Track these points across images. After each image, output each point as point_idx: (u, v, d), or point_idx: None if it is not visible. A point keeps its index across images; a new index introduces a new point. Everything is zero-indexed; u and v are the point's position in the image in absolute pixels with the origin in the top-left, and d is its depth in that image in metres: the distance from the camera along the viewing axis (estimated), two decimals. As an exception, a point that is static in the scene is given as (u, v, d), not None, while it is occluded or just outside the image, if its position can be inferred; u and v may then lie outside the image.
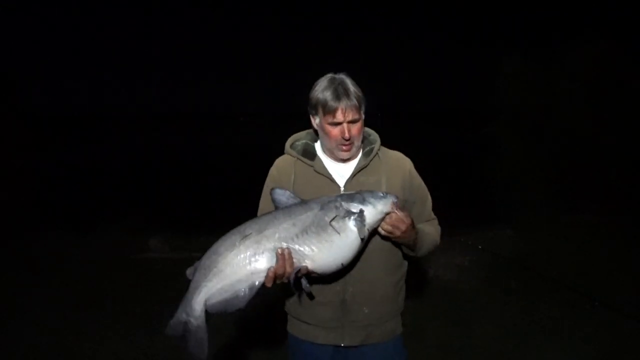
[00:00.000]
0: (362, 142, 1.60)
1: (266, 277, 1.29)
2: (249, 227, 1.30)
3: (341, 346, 1.58)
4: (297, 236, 1.28)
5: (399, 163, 1.65)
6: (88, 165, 16.21)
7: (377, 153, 1.61)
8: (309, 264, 1.30)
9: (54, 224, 6.45)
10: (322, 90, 1.50)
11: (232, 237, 1.31)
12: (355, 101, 1.48)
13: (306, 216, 1.30)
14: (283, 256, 1.28)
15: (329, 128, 1.51)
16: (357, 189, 1.46)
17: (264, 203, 1.61)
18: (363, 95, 1.52)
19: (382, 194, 1.37)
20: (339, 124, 1.49)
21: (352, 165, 1.60)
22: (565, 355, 2.90)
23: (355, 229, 1.30)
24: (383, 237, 1.47)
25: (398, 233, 1.42)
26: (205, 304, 1.31)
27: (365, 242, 1.38)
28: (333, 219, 1.28)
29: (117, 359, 3.03)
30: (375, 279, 1.55)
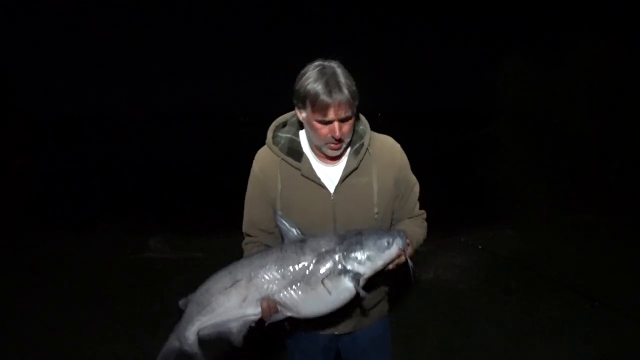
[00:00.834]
0: (355, 130, 1.48)
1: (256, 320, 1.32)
2: (240, 271, 1.28)
3: (334, 334, 1.62)
4: (285, 289, 1.23)
5: (390, 156, 1.53)
6: (88, 165, 16.21)
7: (367, 149, 1.48)
8: (295, 314, 1.27)
9: (54, 224, 6.45)
10: (312, 81, 1.33)
11: (223, 279, 1.30)
12: (348, 96, 1.32)
13: (298, 268, 1.23)
14: (268, 308, 1.27)
15: (318, 125, 1.37)
16: (348, 194, 1.42)
17: (252, 207, 1.56)
18: (356, 88, 1.36)
19: (386, 243, 1.22)
20: (330, 122, 1.35)
21: (341, 166, 1.48)
22: (565, 355, 2.90)
23: (350, 286, 1.21)
24: None
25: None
26: (198, 334, 1.36)
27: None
28: (327, 276, 1.20)
29: (117, 359, 3.03)
30: None
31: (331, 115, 1.33)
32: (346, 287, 1.21)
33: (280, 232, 1.41)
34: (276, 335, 1.47)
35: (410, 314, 3.41)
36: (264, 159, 1.52)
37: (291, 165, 1.47)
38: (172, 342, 1.40)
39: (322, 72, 1.33)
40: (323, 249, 1.23)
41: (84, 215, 7.44)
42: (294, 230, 1.34)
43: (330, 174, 1.49)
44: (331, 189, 1.47)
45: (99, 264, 4.66)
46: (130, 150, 23.44)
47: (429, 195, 1.81)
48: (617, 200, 6.24)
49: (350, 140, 1.47)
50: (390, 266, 1.32)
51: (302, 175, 1.46)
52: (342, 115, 1.34)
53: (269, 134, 1.53)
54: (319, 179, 1.46)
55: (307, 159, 1.47)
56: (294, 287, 1.23)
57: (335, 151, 1.43)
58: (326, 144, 1.40)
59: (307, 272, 1.21)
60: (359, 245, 1.21)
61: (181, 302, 1.39)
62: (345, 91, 1.32)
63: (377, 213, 1.47)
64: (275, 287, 1.24)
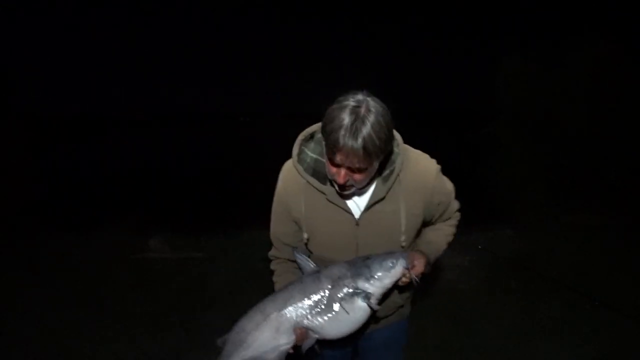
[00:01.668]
0: (385, 158, 1.35)
1: (290, 347, 1.40)
2: (269, 306, 1.42)
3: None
4: (311, 314, 1.37)
5: (422, 181, 1.42)
6: (88, 166, 16.21)
7: (397, 175, 1.37)
8: (323, 336, 1.40)
9: (54, 224, 6.45)
10: (338, 114, 1.18)
11: (255, 316, 1.43)
12: (360, 149, 1.16)
13: (318, 294, 1.37)
14: (300, 335, 1.37)
15: (328, 163, 1.27)
16: (373, 221, 1.42)
17: (276, 222, 1.55)
18: (385, 138, 1.20)
19: (391, 263, 1.33)
20: (338, 165, 1.24)
21: (368, 193, 1.40)
22: (566, 355, 2.90)
23: (364, 306, 1.34)
24: None
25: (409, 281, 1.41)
26: None
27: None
28: (342, 299, 1.34)
29: (117, 359, 3.03)
30: None
31: (338, 159, 1.22)
32: (360, 306, 1.35)
33: (298, 265, 1.51)
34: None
35: (411, 314, 3.40)
36: (289, 178, 1.45)
37: (316, 188, 1.40)
38: None
39: (352, 112, 1.18)
40: (336, 275, 1.37)
41: (84, 215, 7.44)
42: (310, 264, 1.47)
43: (356, 199, 1.43)
44: (357, 215, 1.42)
45: (99, 264, 4.66)
46: (130, 150, 23.44)
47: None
48: (617, 201, 6.25)
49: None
50: (400, 283, 1.39)
51: (327, 199, 1.40)
52: (353, 164, 1.21)
53: (295, 149, 1.43)
54: (345, 204, 1.41)
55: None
56: (317, 312, 1.36)
57: (345, 193, 1.34)
58: (333, 181, 1.33)
59: (326, 297, 1.36)
60: (367, 268, 1.34)
61: (219, 341, 1.48)
62: (359, 143, 1.16)
63: (404, 241, 1.44)
64: (302, 315, 1.38)
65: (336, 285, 1.35)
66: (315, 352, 1.46)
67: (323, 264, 1.48)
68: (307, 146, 1.44)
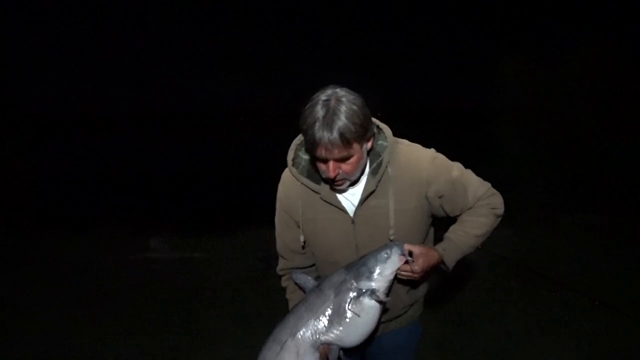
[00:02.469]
0: (369, 153, 1.36)
1: None
2: (281, 333, 1.40)
3: None
4: (325, 328, 1.35)
5: (414, 173, 1.40)
6: (88, 166, 16.22)
7: (386, 167, 1.38)
8: (344, 345, 1.38)
9: (54, 224, 6.45)
10: (310, 113, 1.23)
11: (272, 347, 1.41)
12: (337, 138, 1.20)
13: (326, 307, 1.35)
14: (323, 351, 1.36)
15: (316, 161, 1.30)
16: (367, 216, 1.41)
17: (281, 230, 1.55)
18: (361, 122, 1.23)
19: (386, 254, 1.31)
20: (323, 160, 1.27)
21: (360, 188, 1.40)
22: (566, 355, 2.90)
23: (373, 303, 1.32)
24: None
25: (417, 276, 1.35)
26: None
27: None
28: (349, 303, 1.32)
29: (117, 359, 3.03)
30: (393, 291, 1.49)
31: (321, 153, 1.25)
32: (369, 305, 1.32)
33: (299, 286, 1.51)
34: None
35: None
36: (287, 183, 1.48)
37: (311, 189, 1.42)
38: None
39: (323, 106, 1.22)
40: (337, 283, 1.35)
41: (83, 215, 7.45)
42: (309, 280, 1.47)
43: (350, 197, 1.43)
44: (351, 212, 1.43)
45: (99, 264, 4.66)
46: (130, 150, 23.45)
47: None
48: (617, 200, 6.25)
49: (368, 159, 1.38)
50: (402, 274, 1.35)
51: (322, 199, 1.42)
52: (336, 155, 1.24)
53: (290, 154, 1.45)
54: (339, 202, 1.42)
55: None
56: (330, 325, 1.34)
57: (340, 188, 1.36)
58: (328, 181, 1.34)
59: (334, 307, 1.34)
60: (364, 266, 1.32)
61: None
62: (335, 133, 1.20)
63: (392, 234, 1.42)
64: (316, 333, 1.36)
65: (340, 292, 1.33)
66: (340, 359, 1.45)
67: (328, 267, 1.49)
68: (301, 149, 1.46)
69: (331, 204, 1.42)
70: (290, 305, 1.59)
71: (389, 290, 1.37)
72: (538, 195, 6.71)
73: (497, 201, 1.46)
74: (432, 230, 1.61)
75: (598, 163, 6.98)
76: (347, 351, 1.45)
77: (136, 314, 3.58)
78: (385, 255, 1.31)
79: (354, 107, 1.23)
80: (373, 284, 1.31)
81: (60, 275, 4.35)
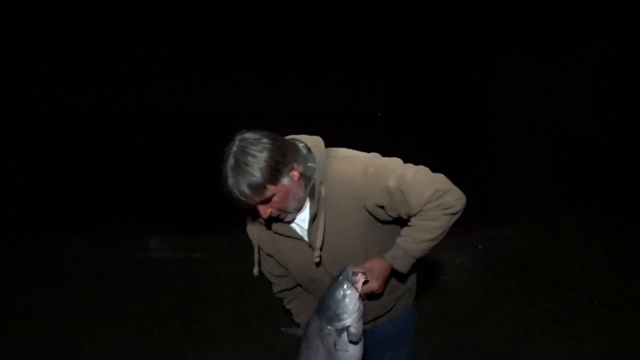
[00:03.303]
0: (302, 176, 1.33)
1: None
2: None
3: None
4: None
5: (347, 187, 1.35)
6: (88, 166, 16.22)
7: (320, 188, 1.34)
8: None
9: (54, 223, 6.45)
10: (222, 169, 1.25)
11: None
12: (248, 190, 1.22)
13: (319, 355, 1.40)
14: None
15: None
16: (318, 240, 1.39)
17: (262, 263, 1.57)
18: (269, 167, 1.22)
19: (340, 293, 1.30)
20: (252, 206, 1.29)
21: (306, 213, 1.40)
22: (566, 355, 2.90)
23: (354, 338, 1.35)
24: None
25: (378, 290, 1.37)
26: None
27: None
28: (335, 345, 1.36)
29: (117, 359, 3.03)
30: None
31: (242, 204, 1.27)
32: (349, 341, 1.35)
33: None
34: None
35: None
36: (246, 221, 1.53)
37: (264, 225, 1.44)
38: None
39: (228, 162, 1.24)
40: (317, 330, 1.39)
41: (83, 215, 7.45)
42: (297, 331, 1.53)
43: (302, 222, 1.43)
44: (307, 238, 1.43)
45: (99, 264, 4.66)
46: (130, 150, 23.45)
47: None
48: (617, 200, 6.25)
49: (304, 182, 1.35)
50: (367, 293, 1.35)
51: (276, 233, 1.44)
52: (256, 201, 1.26)
53: None
54: (294, 232, 1.44)
55: None
56: None
57: (285, 220, 1.39)
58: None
59: (325, 354, 1.39)
60: (329, 310, 1.33)
61: None
62: (243, 186, 1.22)
63: (351, 250, 1.43)
64: None
65: (323, 339, 1.38)
66: None
67: (309, 284, 1.57)
68: None
69: (286, 236, 1.44)
70: (301, 327, 1.61)
71: (362, 312, 1.36)
72: (538, 195, 6.71)
73: (449, 200, 1.32)
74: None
75: (598, 163, 6.98)
76: None
77: (136, 314, 3.58)
78: (341, 294, 1.30)
79: (260, 155, 1.22)
80: (346, 322, 1.33)
81: (60, 275, 4.35)
